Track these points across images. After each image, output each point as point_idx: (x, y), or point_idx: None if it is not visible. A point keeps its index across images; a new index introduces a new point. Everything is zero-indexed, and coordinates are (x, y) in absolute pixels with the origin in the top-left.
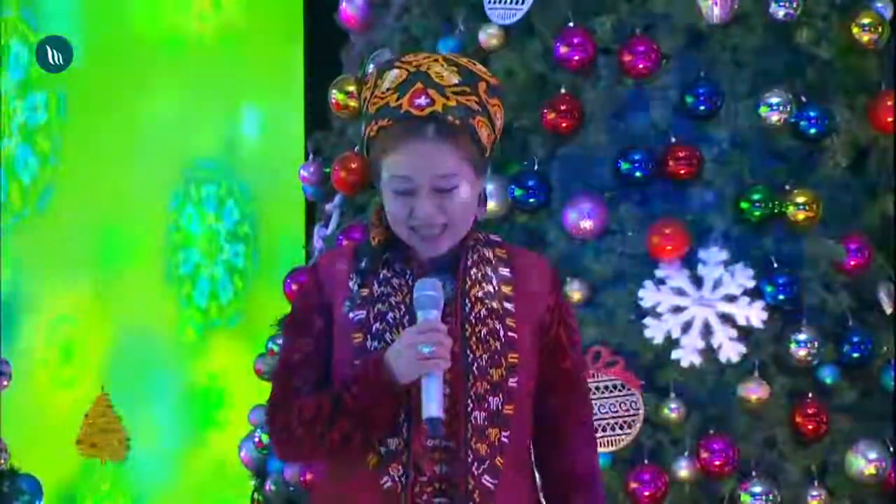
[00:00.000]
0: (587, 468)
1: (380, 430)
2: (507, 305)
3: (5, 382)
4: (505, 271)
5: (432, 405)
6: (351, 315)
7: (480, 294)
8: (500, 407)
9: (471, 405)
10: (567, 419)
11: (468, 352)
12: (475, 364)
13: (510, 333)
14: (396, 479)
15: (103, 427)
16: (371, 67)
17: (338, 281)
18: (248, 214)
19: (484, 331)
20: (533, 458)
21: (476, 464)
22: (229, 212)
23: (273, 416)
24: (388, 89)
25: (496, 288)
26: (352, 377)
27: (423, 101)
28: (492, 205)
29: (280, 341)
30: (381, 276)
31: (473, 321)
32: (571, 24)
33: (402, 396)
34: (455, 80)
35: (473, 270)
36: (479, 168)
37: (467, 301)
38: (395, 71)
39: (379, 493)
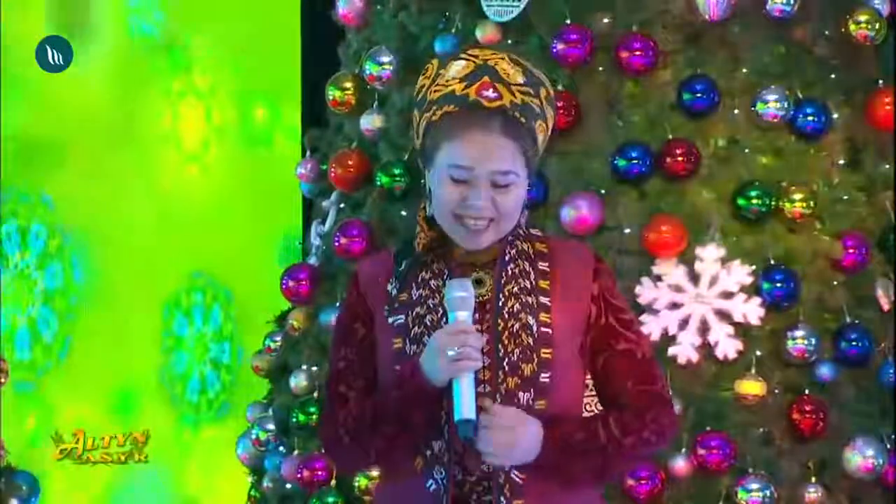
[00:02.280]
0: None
1: (420, 433)
2: (544, 300)
3: (3, 379)
4: (544, 265)
5: (462, 407)
6: (391, 320)
7: (516, 289)
8: (530, 402)
9: (500, 401)
10: (641, 397)
11: (500, 347)
12: (506, 360)
13: (543, 329)
14: (439, 481)
15: None
16: (368, 64)
17: (378, 287)
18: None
19: (517, 326)
20: None
21: None
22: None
23: (323, 427)
24: (453, 78)
25: (533, 283)
26: (391, 382)
27: (491, 93)
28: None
29: (277, 338)
30: (420, 278)
31: (507, 316)
32: (568, 22)
33: (440, 399)
34: (521, 79)
35: (511, 266)
36: (531, 170)
37: (501, 296)
38: (462, 62)
39: (425, 495)
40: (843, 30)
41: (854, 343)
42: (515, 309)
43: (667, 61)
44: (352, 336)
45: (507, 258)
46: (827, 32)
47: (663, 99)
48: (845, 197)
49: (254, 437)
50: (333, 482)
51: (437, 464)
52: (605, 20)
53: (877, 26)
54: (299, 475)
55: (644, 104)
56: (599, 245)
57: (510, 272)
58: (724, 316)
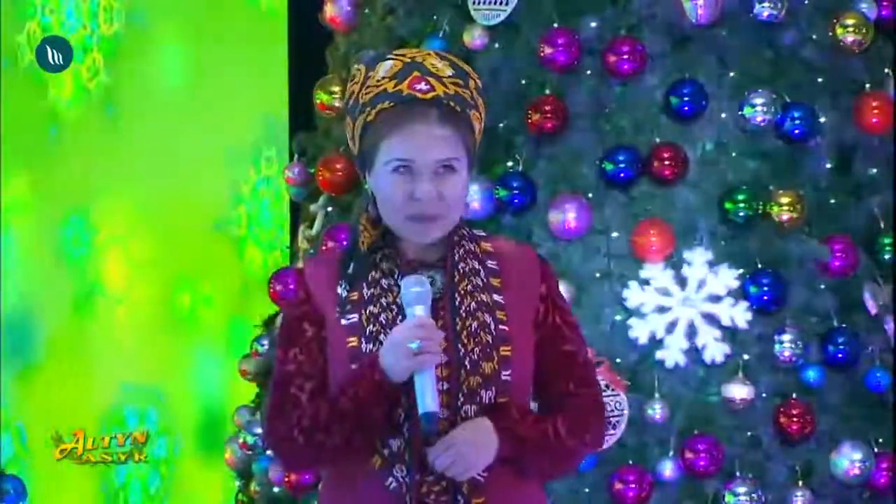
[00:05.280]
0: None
1: (378, 431)
2: (497, 298)
3: None
4: (492, 264)
5: (426, 400)
6: (343, 321)
7: (469, 288)
8: (492, 400)
9: (462, 399)
10: (583, 401)
11: (459, 346)
12: (467, 358)
13: (501, 326)
14: (401, 479)
15: None
16: (356, 66)
17: (326, 288)
18: None
19: (475, 324)
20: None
21: None
22: None
23: (272, 427)
24: (383, 77)
25: (485, 281)
26: (348, 380)
27: (423, 86)
28: (476, 205)
29: (264, 342)
30: (370, 278)
31: (464, 315)
32: (556, 25)
33: (399, 396)
34: (450, 71)
35: (461, 265)
36: (471, 161)
37: (457, 295)
38: (389, 62)
39: (385, 494)
40: (830, 33)
41: (842, 347)
42: (472, 307)
43: (654, 65)
44: (300, 337)
45: (456, 257)
46: (814, 36)
47: (651, 103)
48: (833, 201)
49: (241, 440)
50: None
51: (397, 462)
52: (593, 24)
53: (864, 30)
54: (287, 479)
55: (631, 108)
56: (587, 249)
57: (461, 270)
58: (711, 320)
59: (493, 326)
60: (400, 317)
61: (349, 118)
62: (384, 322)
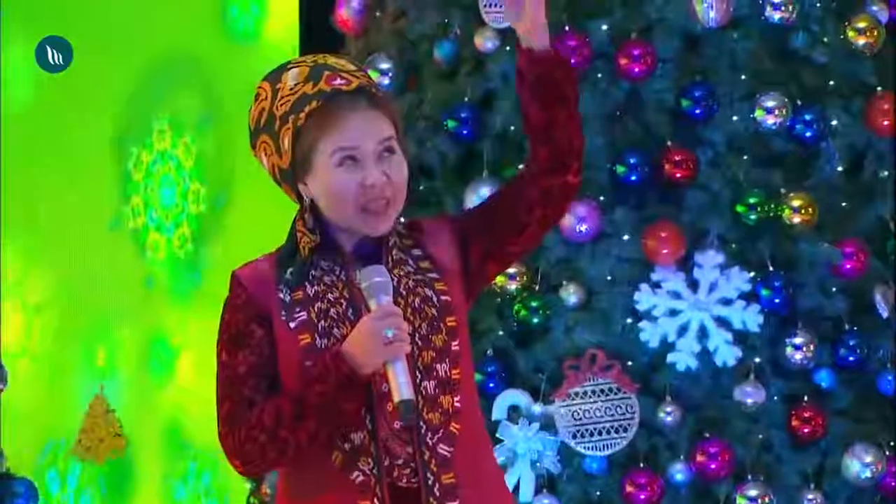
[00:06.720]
0: None
1: (346, 423)
2: (431, 275)
3: (2, 386)
4: (416, 252)
5: (403, 388)
6: (291, 323)
7: (403, 273)
8: (447, 373)
9: (419, 376)
10: (523, 177)
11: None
12: (417, 335)
13: (444, 297)
14: (368, 472)
15: (101, 429)
16: (259, 87)
17: (267, 290)
18: None
19: (417, 300)
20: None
21: (430, 433)
22: None
23: (230, 431)
24: (296, 84)
25: (415, 266)
26: (313, 376)
27: (341, 81)
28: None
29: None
30: (311, 276)
31: (405, 293)
32: (567, 28)
33: (365, 387)
34: (352, 66)
35: (395, 251)
36: (404, 149)
37: (393, 277)
38: (294, 70)
39: (349, 489)
40: (841, 36)
41: (853, 350)
42: (411, 285)
43: (665, 68)
44: (249, 338)
45: (390, 244)
46: (825, 39)
47: (662, 105)
48: (844, 203)
49: None
50: None
51: (361, 455)
52: (604, 27)
53: (875, 33)
54: None
55: (642, 111)
56: (598, 252)
57: (395, 257)
58: (722, 323)
59: (435, 299)
60: (350, 310)
61: (265, 136)
62: (335, 317)
